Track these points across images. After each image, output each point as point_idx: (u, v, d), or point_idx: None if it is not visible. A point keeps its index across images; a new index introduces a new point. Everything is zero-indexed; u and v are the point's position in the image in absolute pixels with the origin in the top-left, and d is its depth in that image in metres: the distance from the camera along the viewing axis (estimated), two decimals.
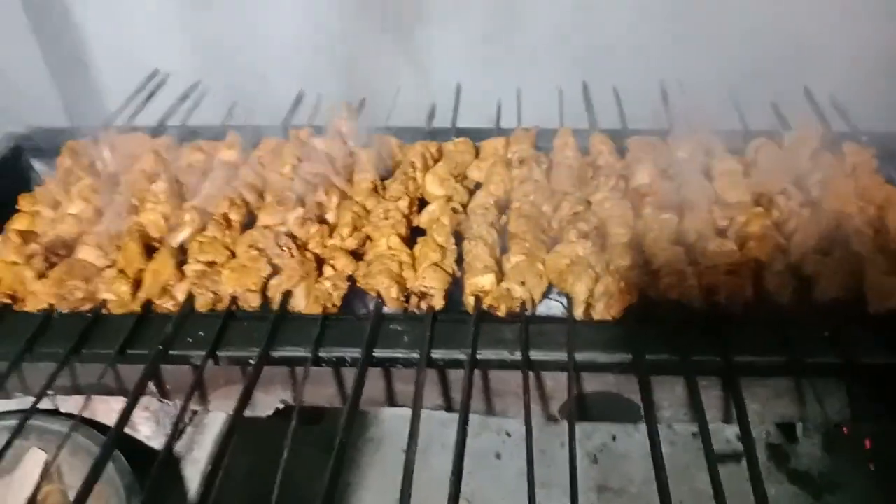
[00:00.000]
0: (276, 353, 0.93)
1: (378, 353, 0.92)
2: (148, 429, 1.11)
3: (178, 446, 1.18)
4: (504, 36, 1.65)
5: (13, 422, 0.98)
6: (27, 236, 1.09)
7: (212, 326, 0.96)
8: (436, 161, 1.26)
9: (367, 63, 1.52)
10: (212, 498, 0.78)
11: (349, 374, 0.98)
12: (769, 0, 1.51)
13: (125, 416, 0.86)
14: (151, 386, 1.03)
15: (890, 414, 0.93)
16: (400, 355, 0.92)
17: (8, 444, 0.84)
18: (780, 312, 0.94)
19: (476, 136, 1.34)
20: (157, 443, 1.14)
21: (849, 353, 0.87)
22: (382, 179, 1.21)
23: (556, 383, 0.98)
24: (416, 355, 0.90)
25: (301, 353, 0.92)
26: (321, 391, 1.02)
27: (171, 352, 0.93)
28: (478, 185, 1.21)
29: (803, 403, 0.94)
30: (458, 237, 1.08)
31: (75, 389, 1.04)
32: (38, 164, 1.46)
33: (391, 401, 1.02)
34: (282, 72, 1.60)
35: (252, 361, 0.91)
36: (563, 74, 1.47)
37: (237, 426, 0.85)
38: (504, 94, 1.43)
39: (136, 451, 1.11)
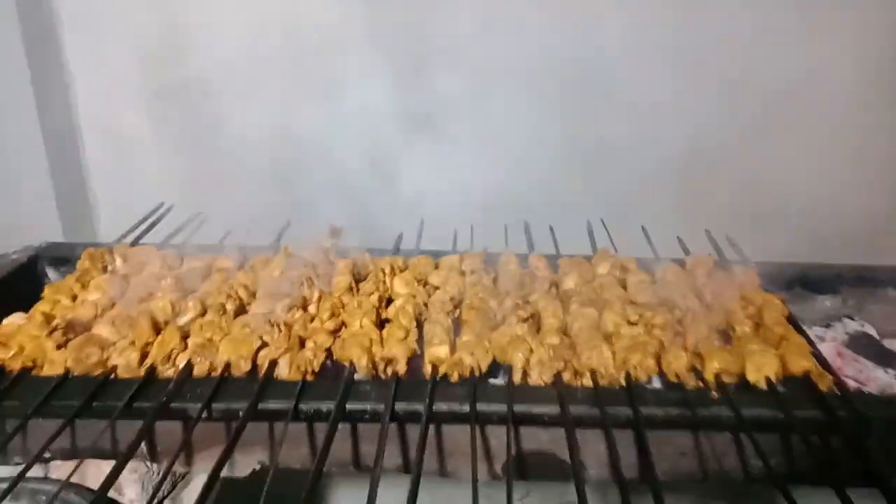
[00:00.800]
0: (262, 406, 1.09)
1: (349, 405, 1.09)
2: (133, 492, 1.21)
3: None
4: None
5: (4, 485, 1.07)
6: (50, 317, 1.28)
7: (207, 387, 1.13)
8: (402, 270, 1.50)
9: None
10: None
11: (322, 437, 1.14)
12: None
13: (116, 471, 0.95)
14: (142, 448, 1.16)
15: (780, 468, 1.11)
16: (368, 408, 1.09)
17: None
18: (679, 381, 1.16)
19: (436, 256, 1.61)
20: None
21: (734, 409, 1.09)
22: (357, 282, 1.45)
23: (500, 443, 1.15)
24: (381, 407, 1.08)
25: (283, 405, 1.09)
26: (296, 452, 1.16)
27: (170, 405, 1.09)
28: (436, 289, 1.45)
29: (703, 459, 1.13)
30: (420, 326, 1.30)
31: (73, 452, 1.16)
32: (51, 273, 1.66)
33: (356, 462, 1.17)
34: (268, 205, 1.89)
35: (241, 413, 1.07)
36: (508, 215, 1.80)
37: (216, 480, 0.97)
38: (459, 224, 1.73)
39: None
